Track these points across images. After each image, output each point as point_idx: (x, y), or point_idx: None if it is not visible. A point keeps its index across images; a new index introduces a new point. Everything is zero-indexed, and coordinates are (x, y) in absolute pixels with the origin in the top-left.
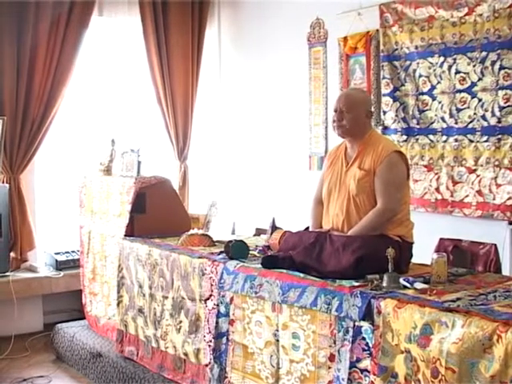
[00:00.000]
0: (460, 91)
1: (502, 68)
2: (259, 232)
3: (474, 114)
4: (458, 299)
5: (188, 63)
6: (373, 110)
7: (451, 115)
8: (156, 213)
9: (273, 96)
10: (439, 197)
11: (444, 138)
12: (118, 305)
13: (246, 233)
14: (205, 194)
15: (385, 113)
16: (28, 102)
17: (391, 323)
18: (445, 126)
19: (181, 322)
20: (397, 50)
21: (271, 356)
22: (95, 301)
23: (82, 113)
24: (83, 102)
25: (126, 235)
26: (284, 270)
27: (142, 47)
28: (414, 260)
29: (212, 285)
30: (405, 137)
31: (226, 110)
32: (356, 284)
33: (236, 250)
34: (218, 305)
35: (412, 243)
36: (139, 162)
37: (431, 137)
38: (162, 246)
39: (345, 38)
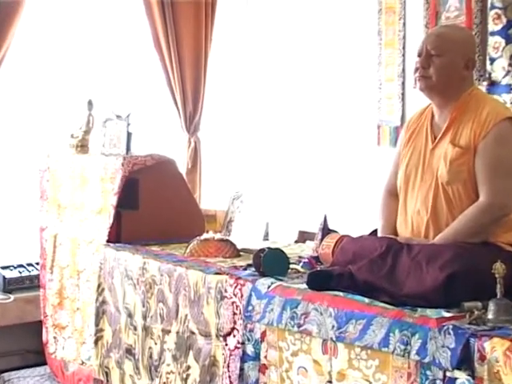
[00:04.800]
0: None
1: None
2: (304, 237)
3: None
4: None
5: None
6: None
7: None
8: (154, 208)
9: (324, 37)
10: None
11: None
12: (95, 343)
13: (285, 238)
14: (224, 180)
15: (493, 61)
16: None
17: (501, 375)
18: None
19: (189, 367)
20: None
21: None
22: (62, 337)
23: (43, 62)
24: (45, 46)
25: (109, 241)
26: (340, 293)
27: None
28: None
29: (235, 313)
30: None
31: (254, 58)
32: (447, 315)
33: (270, 262)
34: (243, 343)
35: None
36: (129, 135)
37: None
38: (162, 257)
39: None
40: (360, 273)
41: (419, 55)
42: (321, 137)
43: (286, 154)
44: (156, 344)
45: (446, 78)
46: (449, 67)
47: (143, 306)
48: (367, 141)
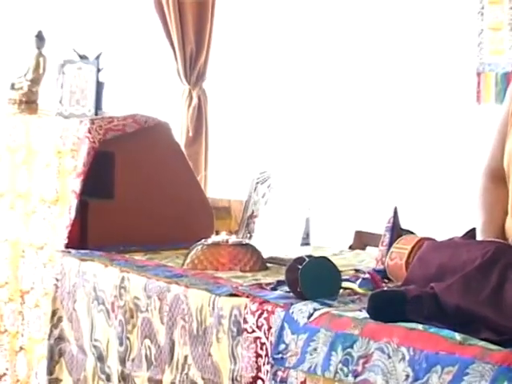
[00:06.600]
0: None
1: None
2: (363, 240)
3: None
4: None
5: None
6: None
7: None
8: (136, 197)
9: None
10: None
11: None
12: None
13: (334, 242)
14: (243, 156)
15: None
16: None
17: None
18: None
19: None
20: None
21: None
22: None
23: None
24: None
25: (69, 246)
26: (419, 325)
27: None
28: None
29: (259, 355)
30: None
31: None
32: None
33: (312, 278)
34: None
35: None
36: (100, 85)
37: None
38: (149, 270)
39: None
40: (449, 295)
41: None
42: (389, 88)
43: (334, 117)
44: None
45: None
46: None
47: (121, 345)
48: (462, 96)
